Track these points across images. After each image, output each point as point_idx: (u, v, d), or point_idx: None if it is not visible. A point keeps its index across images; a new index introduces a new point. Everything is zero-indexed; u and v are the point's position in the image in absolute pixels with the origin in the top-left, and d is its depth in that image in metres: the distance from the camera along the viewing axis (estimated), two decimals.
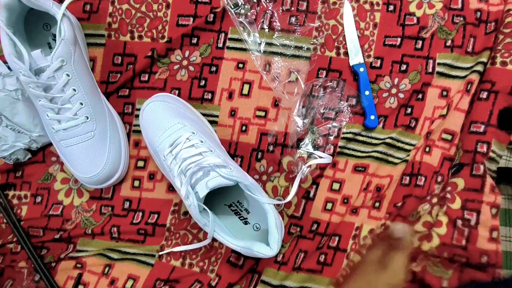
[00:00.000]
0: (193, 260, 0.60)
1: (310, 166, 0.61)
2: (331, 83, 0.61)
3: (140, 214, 0.61)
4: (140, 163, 0.61)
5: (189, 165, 0.50)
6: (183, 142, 0.52)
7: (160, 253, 0.60)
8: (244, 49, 0.61)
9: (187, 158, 0.51)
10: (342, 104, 0.61)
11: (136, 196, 0.61)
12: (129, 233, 0.61)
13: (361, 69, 0.60)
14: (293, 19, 0.62)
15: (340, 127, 0.61)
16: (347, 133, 0.61)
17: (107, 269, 0.60)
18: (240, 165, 0.61)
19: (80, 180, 0.57)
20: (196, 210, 0.49)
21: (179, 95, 0.61)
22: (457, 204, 0.56)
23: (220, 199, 0.56)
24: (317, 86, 0.60)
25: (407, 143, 0.61)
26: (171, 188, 0.61)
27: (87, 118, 0.53)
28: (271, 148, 0.61)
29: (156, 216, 0.61)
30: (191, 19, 0.61)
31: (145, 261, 0.60)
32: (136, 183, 0.61)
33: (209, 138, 0.56)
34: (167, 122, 0.55)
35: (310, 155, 0.61)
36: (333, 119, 0.62)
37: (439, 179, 0.60)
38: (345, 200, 0.61)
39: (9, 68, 0.55)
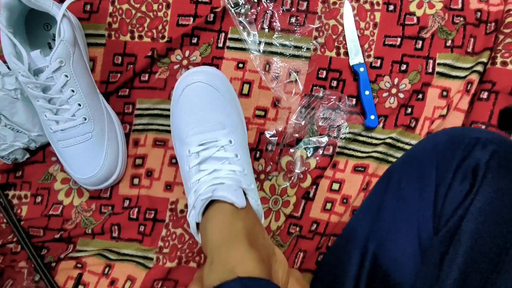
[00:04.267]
0: (189, 257, 0.60)
1: (309, 165, 0.61)
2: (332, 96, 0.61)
3: (137, 210, 0.61)
4: (138, 161, 0.61)
5: (210, 186, 0.45)
6: (216, 148, 0.47)
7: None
8: (244, 49, 0.61)
9: (212, 172, 0.46)
10: (342, 104, 0.61)
11: (135, 194, 0.61)
12: (129, 231, 0.61)
13: (361, 69, 0.60)
14: (293, 19, 0.61)
15: (340, 127, 0.61)
16: (347, 133, 0.61)
17: (107, 269, 0.60)
18: None
19: (78, 181, 0.57)
20: (193, 226, 0.46)
21: None
22: None
23: None
24: (318, 98, 0.60)
25: (407, 143, 0.61)
26: (168, 186, 0.61)
27: (85, 119, 0.53)
28: (269, 147, 0.61)
29: (153, 213, 0.61)
30: (191, 19, 0.61)
31: (143, 263, 0.60)
32: (135, 181, 0.61)
33: (243, 148, 0.51)
34: (208, 116, 0.49)
35: (309, 155, 0.61)
36: (333, 119, 0.62)
37: None
38: (345, 200, 0.61)
39: (8, 67, 0.55)
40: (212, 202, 0.45)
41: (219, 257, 0.41)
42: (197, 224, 0.46)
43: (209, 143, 0.48)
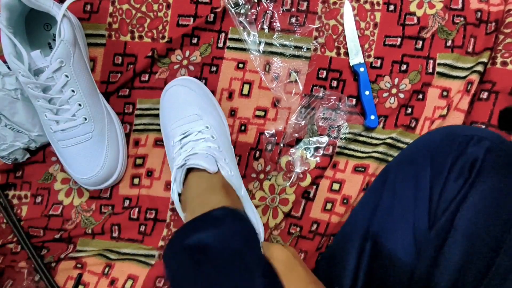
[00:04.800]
0: None
1: (309, 165, 0.61)
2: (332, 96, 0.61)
3: (138, 210, 0.61)
4: (139, 161, 0.61)
5: (185, 157, 0.50)
6: (194, 133, 0.53)
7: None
8: (245, 49, 0.61)
9: (190, 150, 0.51)
10: (342, 104, 0.61)
11: (135, 194, 0.61)
12: (129, 231, 0.61)
13: (361, 69, 0.60)
14: (293, 19, 0.61)
15: (340, 127, 0.61)
16: (347, 133, 0.61)
17: (107, 269, 0.60)
18: (238, 164, 0.61)
19: (78, 181, 0.57)
20: (176, 199, 0.50)
21: None
22: None
23: None
24: (318, 99, 0.60)
25: (407, 143, 0.61)
26: (169, 186, 0.61)
27: (85, 119, 0.53)
28: (269, 147, 0.61)
29: (154, 212, 0.61)
30: (192, 19, 0.61)
31: (145, 261, 0.60)
32: (136, 180, 0.61)
33: (221, 135, 0.56)
34: (185, 110, 0.55)
35: (309, 155, 0.61)
36: (333, 119, 0.62)
37: None
38: (345, 201, 0.61)
39: (8, 67, 0.55)
40: (189, 173, 0.50)
41: (200, 203, 0.46)
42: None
43: (188, 131, 0.53)
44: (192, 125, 0.54)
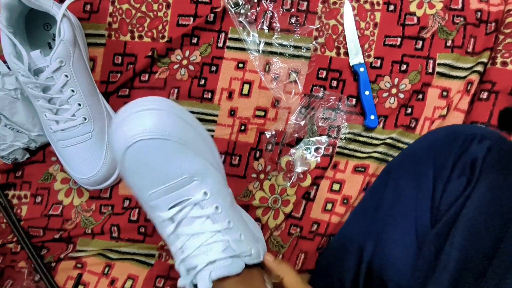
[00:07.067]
0: None
1: (309, 165, 0.61)
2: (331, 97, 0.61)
3: (138, 211, 0.61)
4: None
5: (195, 257, 0.39)
6: (191, 208, 0.39)
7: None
8: (244, 49, 0.61)
9: (193, 237, 0.39)
10: (342, 104, 0.61)
11: None
12: (129, 232, 0.60)
13: (361, 69, 0.60)
14: (293, 19, 0.61)
15: (340, 127, 0.61)
16: (347, 133, 0.61)
17: (107, 269, 0.60)
18: (238, 164, 0.61)
19: (77, 181, 0.57)
20: None
21: (178, 94, 0.61)
22: None
23: None
24: (318, 99, 0.60)
25: (407, 144, 0.61)
26: None
27: (85, 119, 0.53)
28: (269, 147, 0.61)
29: None
30: (192, 19, 0.61)
31: (145, 261, 0.60)
32: None
33: (221, 191, 0.42)
34: (167, 173, 0.39)
35: (309, 155, 0.61)
36: (333, 119, 0.62)
37: None
38: (345, 201, 0.61)
39: (8, 67, 0.55)
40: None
41: None
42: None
43: (180, 203, 0.39)
44: (183, 193, 0.39)
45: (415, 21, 0.61)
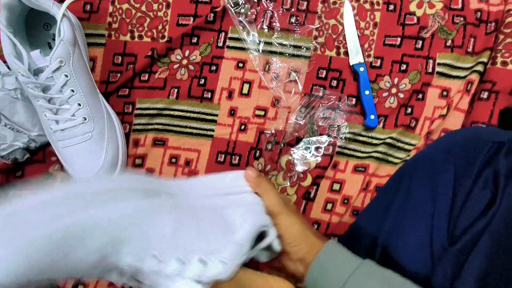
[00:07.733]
0: None
1: (309, 165, 0.61)
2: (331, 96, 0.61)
3: None
4: (138, 161, 0.61)
5: None
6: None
7: None
8: (244, 49, 0.61)
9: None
10: (342, 104, 0.61)
11: None
12: None
13: (361, 69, 0.60)
14: (293, 19, 0.61)
15: (340, 127, 0.61)
16: (347, 133, 0.61)
17: None
18: (238, 163, 0.61)
19: None
20: None
21: (178, 93, 0.61)
22: None
23: None
24: (318, 98, 0.60)
25: (407, 143, 0.61)
26: None
27: (85, 119, 0.53)
28: (269, 146, 0.61)
29: None
30: (191, 18, 0.61)
31: None
32: None
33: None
34: None
35: (309, 155, 0.61)
36: (333, 119, 0.62)
37: None
38: (345, 201, 0.61)
39: (8, 67, 0.55)
40: None
41: None
42: None
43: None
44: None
45: (415, 21, 0.61)
